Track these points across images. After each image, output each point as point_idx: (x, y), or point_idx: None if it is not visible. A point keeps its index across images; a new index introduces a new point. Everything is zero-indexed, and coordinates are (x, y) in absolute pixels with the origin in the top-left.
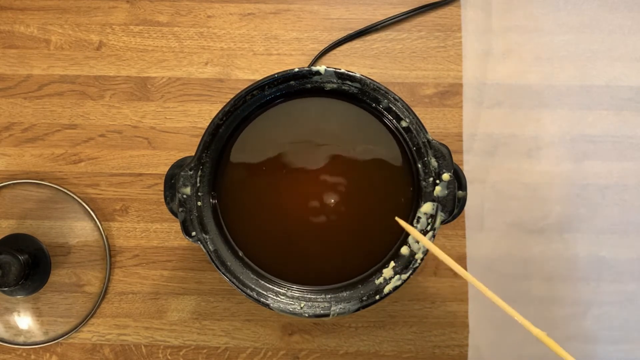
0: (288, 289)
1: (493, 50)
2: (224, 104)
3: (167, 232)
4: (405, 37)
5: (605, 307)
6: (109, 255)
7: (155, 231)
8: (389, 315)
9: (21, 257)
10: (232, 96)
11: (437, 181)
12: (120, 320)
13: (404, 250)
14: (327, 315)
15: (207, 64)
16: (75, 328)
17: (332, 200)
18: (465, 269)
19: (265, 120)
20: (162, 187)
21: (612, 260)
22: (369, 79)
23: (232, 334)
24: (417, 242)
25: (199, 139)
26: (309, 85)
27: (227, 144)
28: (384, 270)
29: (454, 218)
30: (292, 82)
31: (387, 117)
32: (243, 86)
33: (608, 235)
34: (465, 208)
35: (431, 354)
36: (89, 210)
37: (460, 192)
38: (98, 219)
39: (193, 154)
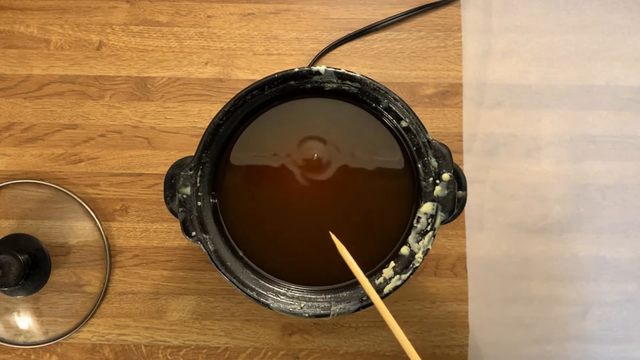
0: (288, 289)
1: (493, 50)
2: (224, 104)
3: (167, 232)
4: (405, 37)
5: (605, 307)
6: (109, 255)
7: (155, 231)
8: None
9: (21, 257)
10: (232, 96)
11: (437, 181)
12: (120, 320)
13: (404, 250)
14: (327, 315)
15: (207, 64)
16: (75, 328)
17: (332, 200)
18: (465, 269)
19: (265, 120)
20: (162, 187)
21: (612, 260)
22: (369, 79)
23: (232, 334)
24: (418, 242)
25: (199, 139)
26: (309, 85)
27: (227, 144)
28: (384, 270)
29: (454, 218)
30: (292, 82)
31: (387, 117)
32: (243, 86)
33: (608, 235)
34: (465, 208)
35: (431, 354)
36: (89, 210)
37: (460, 192)
38: (98, 219)
39: (193, 154)
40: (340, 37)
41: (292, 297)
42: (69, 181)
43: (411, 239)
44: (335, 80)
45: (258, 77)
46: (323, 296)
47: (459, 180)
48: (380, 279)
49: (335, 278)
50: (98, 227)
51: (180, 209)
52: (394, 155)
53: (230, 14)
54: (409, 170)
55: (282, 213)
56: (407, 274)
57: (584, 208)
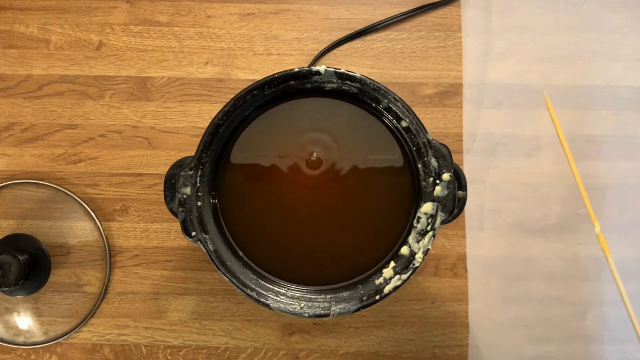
0: (288, 289)
1: (493, 50)
2: (224, 104)
3: (167, 232)
4: (405, 37)
5: (605, 307)
6: (109, 255)
7: (155, 231)
8: (389, 315)
9: (21, 257)
10: (232, 96)
11: (437, 181)
12: (120, 320)
13: (404, 250)
14: (327, 315)
15: (207, 64)
16: (75, 328)
17: (332, 200)
18: (465, 269)
19: (265, 120)
20: (162, 187)
21: (612, 260)
22: (369, 79)
23: (232, 334)
24: (418, 242)
25: (199, 139)
26: (309, 85)
27: (227, 144)
28: (384, 270)
29: (454, 218)
30: (292, 82)
31: (387, 117)
32: (243, 86)
33: (608, 235)
34: (465, 208)
35: (431, 354)
36: (89, 210)
37: (460, 192)
38: (98, 219)
39: (193, 154)
40: (340, 37)
41: (292, 297)
42: (69, 181)
43: (411, 239)
44: (335, 80)
45: (258, 77)
46: (323, 296)
47: (459, 180)
48: (380, 279)
49: (335, 278)
50: (98, 227)
51: (180, 209)
52: (394, 155)
53: (230, 14)
54: (409, 170)
55: (282, 213)
56: (407, 274)
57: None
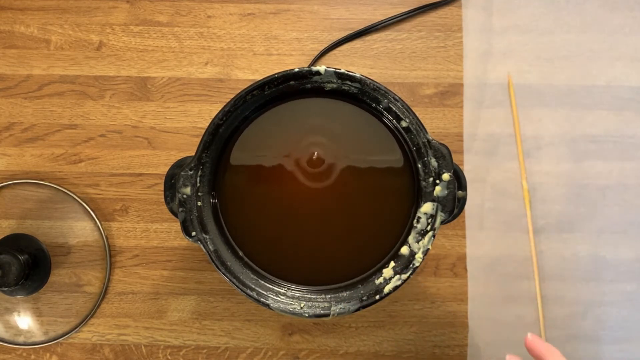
0: (288, 289)
1: (493, 49)
2: (224, 104)
3: (167, 232)
4: (405, 37)
5: (605, 307)
6: (109, 255)
7: (155, 231)
8: (389, 315)
9: (21, 257)
10: (232, 96)
11: (437, 181)
12: (120, 320)
13: (404, 250)
14: (327, 315)
15: (207, 64)
16: (75, 328)
17: (332, 200)
18: (465, 269)
19: (265, 120)
20: (162, 187)
21: (612, 260)
22: (369, 79)
23: (232, 334)
24: (418, 242)
25: (199, 139)
26: (309, 85)
27: (227, 144)
28: (384, 270)
29: (454, 218)
30: (292, 82)
31: (387, 117)
32: (243, 86)
33: (608, 235)
34: (465, 208)
35: (431, 354)
36: (89, 210)
37: (460, 192)
38: (98, 219)
39: (193, 154)
40: (340, 37)
41: (292, 297)
42: (69, 181)
43: (411, 239)
44: (335, 80)
45: (258, 77)
46: (323, 296)
47: (459, 180)
48: (380, 279)
49: (335, 278)
50: (98, 227)
51: (180, 209)
52: (394, 155)
53: (230, 14)
54: (409, 170)
55: (282, 213)
56: (407, 274)
57: (584, 208)
